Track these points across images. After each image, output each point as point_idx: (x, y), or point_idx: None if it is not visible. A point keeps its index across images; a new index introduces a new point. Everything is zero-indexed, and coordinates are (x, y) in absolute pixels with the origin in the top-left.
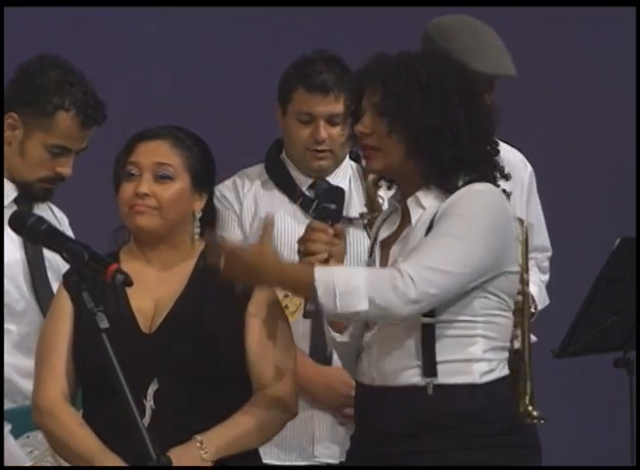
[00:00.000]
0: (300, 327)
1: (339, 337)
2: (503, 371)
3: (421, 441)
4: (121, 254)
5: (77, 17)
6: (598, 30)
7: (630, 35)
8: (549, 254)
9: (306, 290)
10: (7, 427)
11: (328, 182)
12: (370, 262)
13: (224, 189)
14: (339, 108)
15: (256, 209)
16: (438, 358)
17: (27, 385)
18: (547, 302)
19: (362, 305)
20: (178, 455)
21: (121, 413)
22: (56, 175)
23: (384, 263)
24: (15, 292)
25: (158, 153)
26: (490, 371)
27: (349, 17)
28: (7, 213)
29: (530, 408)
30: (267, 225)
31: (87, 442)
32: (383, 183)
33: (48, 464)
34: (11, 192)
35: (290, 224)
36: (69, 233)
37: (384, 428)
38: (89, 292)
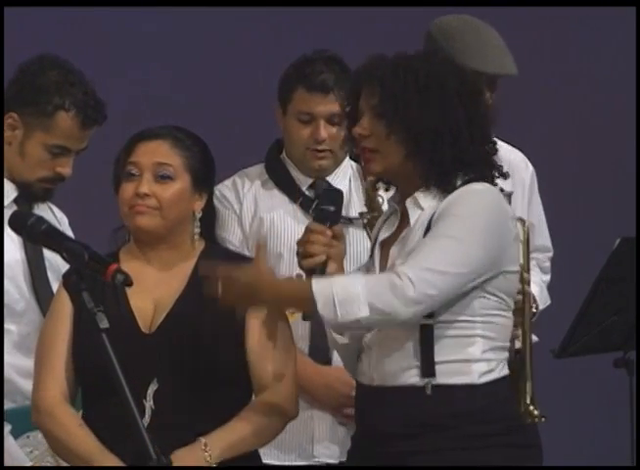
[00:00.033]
0: (300, 327)
1: (340, 338)
2: (502, 371)
3: (419, 441)
4: (121, 254)
5: (77, 17)
6: (598, 30)
7: (630, 35)
8: (550, 254)
9: (306, 304)
10: (7, 427)
11: (328, 182)
12: (369, 263)
13: (224, 189)
14: (339, 108)
15: (256, 208)
16: (437, 359)
17: (27, 385)
18: (548, 302)
19: (363, 312)
20: (182, 457)
21: (121, 413)
22: (56, 175)
23: (383, 264)
24: (15, 292)
25: (158, 153)
26: (489, 371)
27: (349, 17)
28: (7, 213)
29: (532, 408)
30: (260, 246)
31: (86, 442)
32: (380, 185)
33: (48, 464)
34: (11, 192)
35: (290, 224)
36: (69, 233)
37: (383, 428)
38: (89, 292)
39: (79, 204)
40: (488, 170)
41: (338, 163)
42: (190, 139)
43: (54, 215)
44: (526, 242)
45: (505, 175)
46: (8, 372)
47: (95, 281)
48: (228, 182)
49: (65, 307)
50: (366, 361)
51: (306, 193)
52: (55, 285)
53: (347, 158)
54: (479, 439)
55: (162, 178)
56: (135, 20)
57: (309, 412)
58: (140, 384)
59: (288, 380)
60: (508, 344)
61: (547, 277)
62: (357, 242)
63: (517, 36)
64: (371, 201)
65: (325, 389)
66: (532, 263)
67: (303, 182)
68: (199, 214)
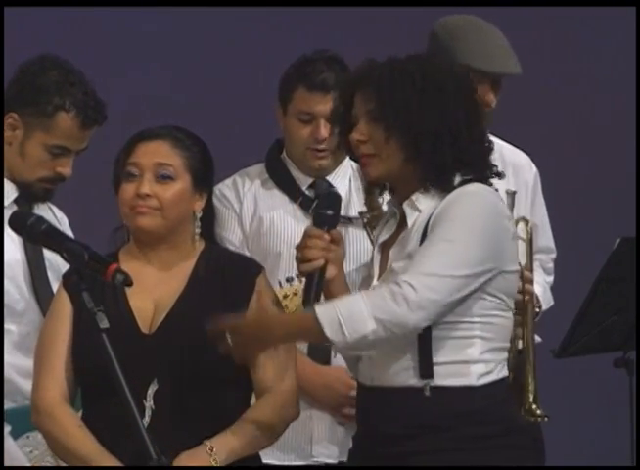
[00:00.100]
0: None
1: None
2: (501, 373)
3: (418, 442)
4: (121, 254)
5: (77, 17)
6: (598, 30)
7: (630, 35)
8: (553, 255)
9: (314, 332)
10: (6, 428)
11: (328, 181)
12: (369, 264)
13: (224, 188)
14: None
15: (256, 208)
16: (435, 360)
17: (27, 385)
18: (552, 302)
19: (369, 326)
20: (187, 460)
21: (121, 413)
22: (56, 175)
23: (383, 266)
24: (15, 292)
25: (158, 153)
26: (488, 373)
27: (349, 17)
28: (7, 213)
29: (534, 407)
30: (261, 290)
31: (85, 443)
32: (375, 190)
33: (48, 464)
34: (11, 192)
35: (290, 224)
36: (69, 233)
37: (383, 428)
38: (89, 292)
39: (79, 204)
40: (486, 169)
41: (338, 162)
42: (190, 139)
43: (54, 215)
44: (530, 242)
45: (500, 175)
46: (8, 372)
47: (95, 281)
48: (228, 181)
49: (64, 308)
50: (366, 362)
51: (306, 193)
52: (55, 285)
53: (348, 157)
54: (477, 440)
55: (163, 178)
56: (135, 20)
57: (308, 412)
58: (140, 384)
59: (289, 381)
60: (507, 344)
61: (550, 278)
62: (357, 241)
63: (517, 36)
64: (371, 200)
65: (324, 389)
66: (536, 264)
67: (304, 182)
68: (199, 214)
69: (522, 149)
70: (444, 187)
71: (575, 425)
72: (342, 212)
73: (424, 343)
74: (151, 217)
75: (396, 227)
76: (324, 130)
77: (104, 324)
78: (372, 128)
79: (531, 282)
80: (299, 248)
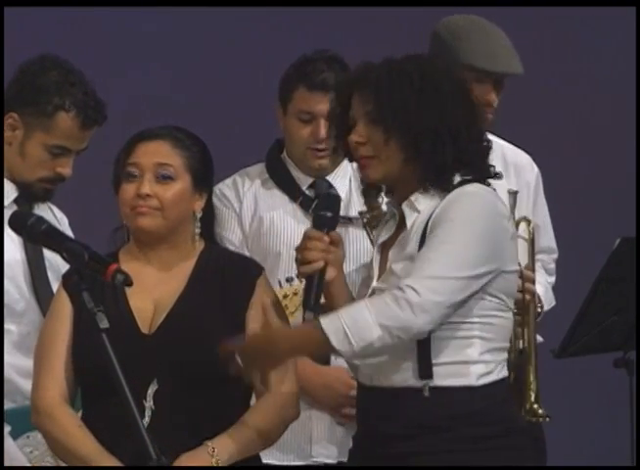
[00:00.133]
0: None
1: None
2: (501, 373)
3: (418, 442)
4: (120, 254)
5: (77, 17)
6: (598, 30)
7: (630, 35)
8: (555, 256)
9: (320, 343)
10: (6, 428)
11: (328, 181)
12: (368, 265)
13: (224, 188)
14: None
15: (256, 207)
16: (434, 360)
17: (27, 385)
18: (553, 303)
19: (375, 333)
20: (188, 461)
21: (121, 413)
22: (56, 176)
23: (382, 266)
24: (15, 292)
25: (158, 153)
26: (488, 373)
27: (349, 17)
28: (7, 214)
29: (536, 406)
30: (266, 307)
31: (85, 443)
32: (372, 192)
33: (48, 464)
34: (11, 192)
35: (289, 223)
36: (69, 233)
37: (383, 429)
38: (89, 292)
39: (79, 204)
40: (485, 169)
41: (338, 162)
42: (189, 139)
43: (54, 215)
44: (532, 241)
45: (498, 175)
46: (8, 372)
47: (95, 281)
48: (228, 181)
49: (64, 308)
50: (366, 362)
51: (306, 192)
52: (55, 285)
53: None
54: (477, 441)
55: (163, 179)
56: (135, 20)
57: (308, 412)
58: (140, 384)
59: (289, 382)
60: (507, 345)
61: (552, 279)
62: (357, 241)
63: (517, 36)
64: (370, 201)
65: (324, 389)
66: (537, 265)
67: (304, 181)
68: (199, 214)
69: (521, 149)
70: (444, 187)
71: (575, 425)
72: (342, 212)
73: (423, 343)
74: (151, 217)
75: (396, 228)
76: (324, 130)
77: (104, 324)
78: (371, 130)
79: (533, 282)
80: (299, 250)
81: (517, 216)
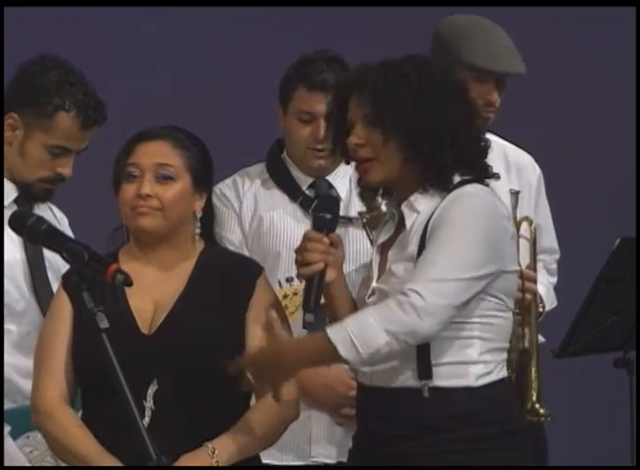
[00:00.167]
0: (299, 327)
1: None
2: (500, 373)
3: (418, 442)
4: (120, 254)
5: (77, 17)
6: (598, 30)
7: (630, 35)
8: (557, 256)
9: (328, 353)
10: (6, 428)
11: (328, 181)
12: (368, 266)
13: (224, 187)
14: None
15: (256, 207)
16: (434, 361)
17: (27, 385)
18: (555, 303)
19: (381, 339)
20: (188, 462)
21: (121, 413)
22: (56, 176)
23: (382, 267)
24: (15, 292)
25: (158, 154)
26: (487, 374)
27: (349, 17)
28: (7, 214)
29: (538, 406)
30: (272, 321)
31: (85, 443)
32: (369, 194)
33: (48, 464)
34: (11, 192)
35: (289, 223)
36: (69, 233)
37: (383, 429)
38: (89, 292)
39: (79, 204)
40: (484, 169)
41: (338, 162)
42: (189, 139)
43: (54, 215)
44: (533, 241)
45: (497, 175)
46: (8, 372)
47: (94, 281)
48: (229, 181)
49: (64, 308)
50: None
51: (306, 192)
52: (55, 285)
53: None
54: (477, 441)
55: (164, 179)
56: (135, 20)
57: (307, 413)
58: (140, 385)
59: (288, 382)
60: (507, 345)
61: (554, 279)
62: (357, 241)
63: (517, 36)
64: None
65: (323, 389)
66: (539, 265)
67: (304, 181)
68: (199, 214)
69: (521, 149)
70: (443, 186)
71: (575, 425)
72: (342, 212)
73: (423, 344)
74: (152, 218)
75: (395, 228)
76: (324, 130)
77: (104, 324)
78: (369, 132)
79: (535, 281)
80: (299, 251)
81: (518, 217)
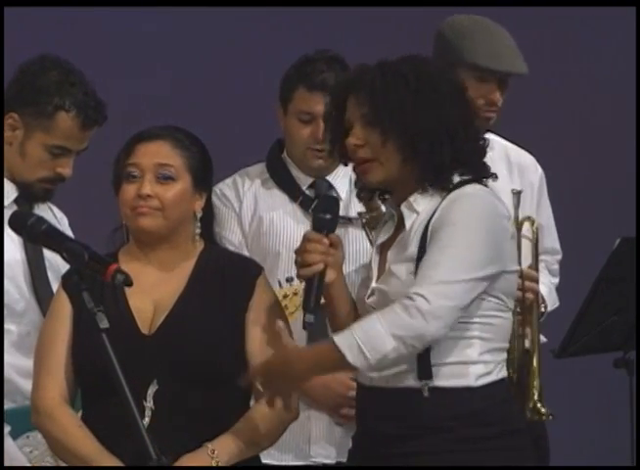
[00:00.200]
0: (299, 328)
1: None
2: (500, 373)
3: (418, 442)
4: (120, 254)
5: (77, 17)
6: (598, 30)
7: (630, 35)
8: (559, 257)
9: (336, 360)
10: (6, 428)
11: (328, 181)
12: (367, 266)
13: (224, 187)
14: None
15: (256, 207)
16: (434, 361)
17: (27, 385)
18: (557, 303)
19: (389, 344)
20: (188, 463)
21: (121, 413)
22: (56, 176)
23: (381, 267)
24: (15, 292)
25: (159, 154)
26: (487, 374)
27: (349, 17)
28: (7, 214)
29: (539, 405)
30: (281, 329)
31: (85, 443)
32: (367, 195)
33: (48, 464)
34: (11, 192)
35: (289, 223)
36: (69, 233)
37: (382, 429)
38: (89, 292)
39: (79, 204)
40: (483, 169)
41: (338, 162)
42: (189, 139)
43: (54, 215)
44: (535, 241)
45: (494, 175)
46: (8, 372)
47: (94, 281)
48: (229, 181)
49: (64, 308)
50: None
51: (306, 192)
52: (55, 285)
53: None
54: (477, 441)
55: (164, 179)
56: (135, 20)
57: (306, 413)
58: (140, 385)
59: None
60: (506, 345)
61: (556, 280)
62: (357, 242)
63: (517, 36)
64: (369, 202)
65: (322, 389)
66: (541, 266)
67: (304, 181)
68: (199, 214)
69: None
70: (443, 186)
71: (575, 425)
72: (342, 212)
73: None
74: (152, 218)
75: (394, 229)
76: (323, 131)
77: (104, 324)
78: (368, 132)
79: (537, 281)
80: (299, 252)
81: (520, 216)
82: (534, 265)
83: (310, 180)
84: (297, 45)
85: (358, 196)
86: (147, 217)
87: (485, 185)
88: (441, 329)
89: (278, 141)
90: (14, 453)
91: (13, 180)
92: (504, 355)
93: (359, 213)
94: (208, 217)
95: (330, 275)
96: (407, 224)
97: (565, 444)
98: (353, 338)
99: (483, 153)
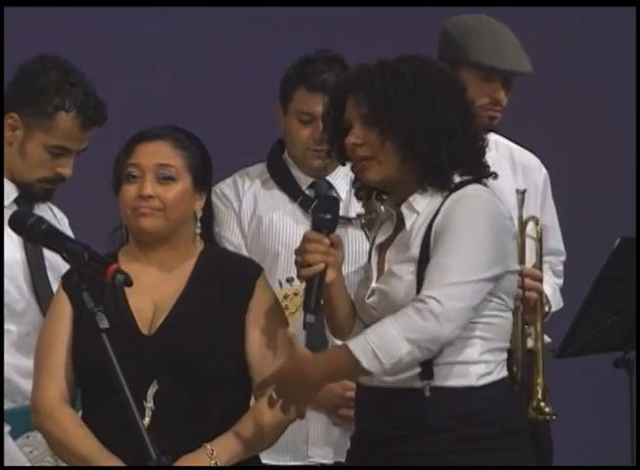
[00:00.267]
0: (299, 328)
1: (341, 340)
2: (501, 373)
3: (418, 442)
4: (120, 254)
5: (77, 17)
6: (598, 30)
7: (630, 35)
8: (563, 258)
9: (350, 366)
10: (6, 428)
11: (328, 181)
12: (367, 266)
13: (224, 187)
14: None
15: (256, 207)
16: (435, 361)
17: (27, 385)
18: (561, 304)
19: (404, 348)
20: (187, 463)
21: (121, 413)
22: (56, 176)
23: (381, 267)
24: (15, 292)
25: (159, 154)
26: (488, 374)
27: (349, 17)
28: (7, 214)
29: (543, 404)
30: (292, 338)
31: (86, 443)
32: (365, 195)
33: (48, 464)
34: (11, 192)
35: (289, 223)
36: (69, 233)
37: (382, 429)
38: (89, 292)
39: (79, 204)
40: (482, 169)
41: (338, 163)
42: (189, 139)
43: (54, 215)
44: (539, 240)
45: (494, 175)
46: (8, 372)
47: (94, 281)
48: (229, 180)
49: (64, 308)
50: None
51: (306, 192)
52: (55, 285)
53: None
54: (477, 441)
55: (165, 179)
56: (135, 20)
57: None
58: (140, 385)
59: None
60: (507, 345)
61: (560, 281)
62: (357, 242)
63: (517, 36)
64: (368, 203)
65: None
66: (545, 266)
67: (304, 182)
68: (199, 214)
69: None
70: (443, 186)
71: (575, 425)
72: (342, 213)
73: None
74: (153, 218)
75: (393, 229)
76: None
77: (104, 324)
78: (367, 132)
79: (541, 280)
80: (299, 252)
81: (524, 216)
82: (539, 265)
83: (310, 180)
84: (297, 45)
85: (356, 195)
86: (148, 218)
87: (485, 185)
88: (455, 331)
89: (279, 141)
90: (14, 453)
91: (13, 180)
92: (504, 355)
93: (358, 215)
94: (208, 217)
95: (330, 275)
96: (408, 224)
97: (565, 443)
98: (367, 343)
99: (483, 153)
